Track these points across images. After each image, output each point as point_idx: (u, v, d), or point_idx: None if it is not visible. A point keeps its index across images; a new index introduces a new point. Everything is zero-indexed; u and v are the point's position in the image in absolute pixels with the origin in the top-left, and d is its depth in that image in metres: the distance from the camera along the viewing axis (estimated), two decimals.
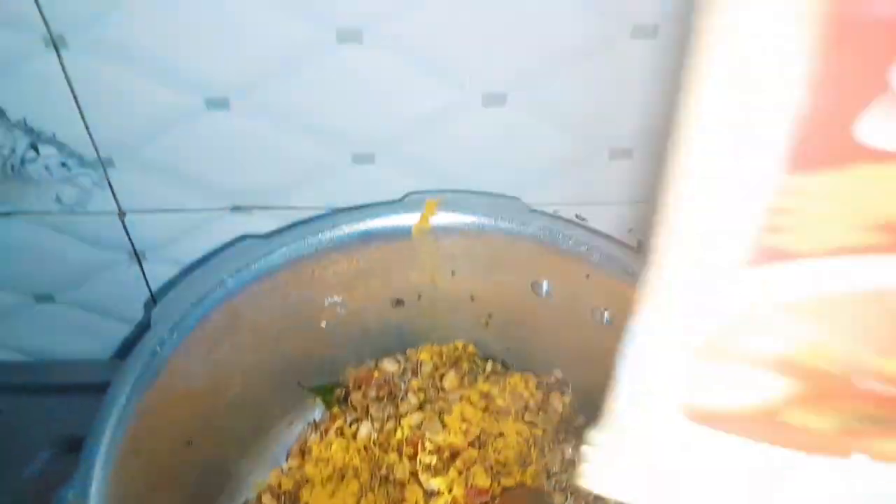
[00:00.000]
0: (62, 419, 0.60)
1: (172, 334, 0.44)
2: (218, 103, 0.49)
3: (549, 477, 0.52)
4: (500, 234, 0.50)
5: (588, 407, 0.56)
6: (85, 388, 0.62)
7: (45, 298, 0.64)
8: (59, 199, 0.56)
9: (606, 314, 0.50)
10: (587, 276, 0.49)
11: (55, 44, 0.46)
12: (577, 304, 0.51)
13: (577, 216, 0.58)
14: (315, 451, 0.54)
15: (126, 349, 0.66)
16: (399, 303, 0.56)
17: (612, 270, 0.48)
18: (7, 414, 0.63)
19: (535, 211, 0.51)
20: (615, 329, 0.51)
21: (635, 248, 0.56)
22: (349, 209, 0.52)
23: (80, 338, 0.66)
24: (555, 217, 0.51)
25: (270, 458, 0.56)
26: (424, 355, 0.58)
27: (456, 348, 0.59)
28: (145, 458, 0.42)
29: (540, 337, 0.56)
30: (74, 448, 0.58)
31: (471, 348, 0.59)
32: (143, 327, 0.44)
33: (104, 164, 0.54)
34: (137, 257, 0.60)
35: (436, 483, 0.52)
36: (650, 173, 0.54)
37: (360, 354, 0.58)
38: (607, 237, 0.50)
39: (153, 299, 0.63)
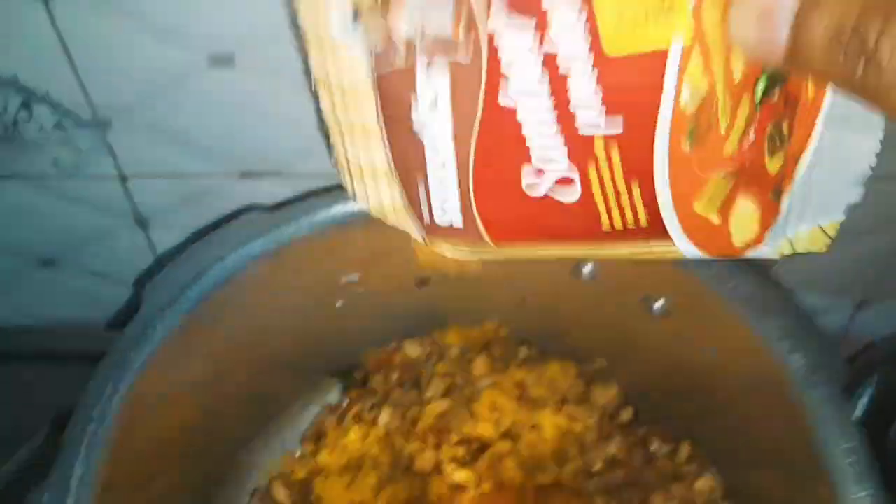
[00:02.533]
0: (56, 390, 0.57)
1: (166, 314, 0.39)
2: (223, 60, 0.44)
3: (590, 477, 0.47)
4: None
5: (635, 401, 0.51)
6: (83, 355, 0.59)
7: (48, 263, 0.60)
8: (56, 163, 0.52)
9: (659, 303, 0.44)
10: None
11: None
12: (624, 290, 0.45)
13: None
14: (331, 438, 0.50)
15: (119, 321, 0.63)
16: (424, 282, 0.50)
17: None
18: (6, 384, 0.60)
19: None
20: (670, 320, 0.45)
21: None
22: None
23: (84, 305, 0.63)
24: None
25: (281, 444, 0.52)
26: (451, 338, 0.53)
27: (486, 331, 0.53)
28: (136, 452, 0.38)
29: (581, 324, 0.50)
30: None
31: (503, 331, 0.53)
32: (133, 306, 0.40)
33: (102, 124, 0.49)
34: (141, 223, 0.56)
35: (462, 476, 0.47)
36: None
37: (381, 336, 0.52)
38: None
39: (155, 269, 0.58)
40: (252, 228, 0.42)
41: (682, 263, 0.41)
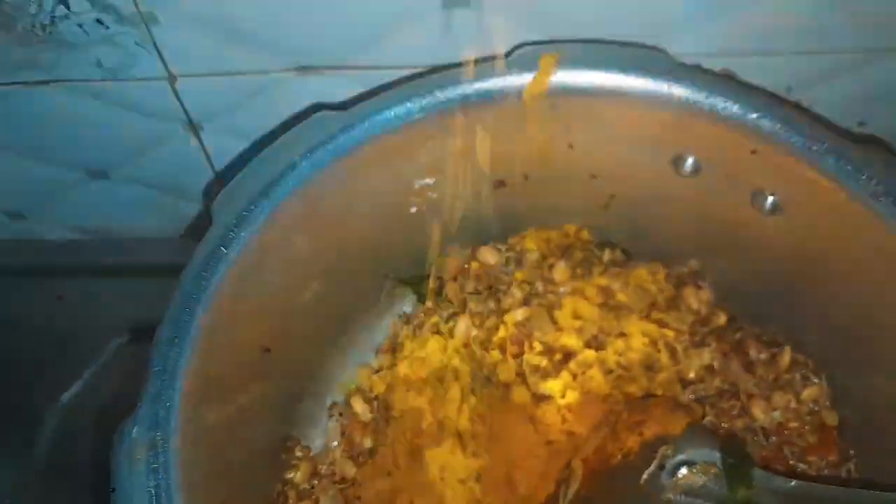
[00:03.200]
0: (132, 302, 0.56)
1: (239, 230, 0.36)
2: None
3: (684, 387, 0.45)
4: (637, 96, 0.39)
5: (732, 305, 0.47)
6: (152, 268, 0.58)
7: (100, 174, 0.58)
8: (99, 64, 0.48)
9: (773, 199, 0.40)
10: (753, 151, 0.38)
11: None
12: (733, 185, 0.41)
13: (722, 70, 0.46)
14: (408, 349, 0.48)
15: (192, 230, 0.60)
16: (501, 184, 0.46)
17: (790, 145, 0.37)
18: (71, 299, 0.59)
19: (685, 66, 0.39)
20: (782, 217, 0.41)
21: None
22: (443, 69, 0.41)
23: (142, 215, 0.61)
24: (713, 74, 0.39)
25: (358, 357, 0.50)
26: (529, 243, 0.49)
27: (567, 234, 0.50)
28: (218, 376, 0.36)
29: (675, 222, 0.46)
30: (146, 335, 0.55)
31: (585, 234, 0.50)
32: (206, 215, 0.37)
33: (146, 19, 0.45)
34: (194, 128, 0.52)
35: (546, 387, 0.45)
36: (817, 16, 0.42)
37: (456, 243, 0.49)
38: (783, 101, 0.38)
39: (216, 178, 0.55)
40: (322, 130, 0.39)
41: (807, 152, 0.37)
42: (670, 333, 0.46)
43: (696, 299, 0.47)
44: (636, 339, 0.45)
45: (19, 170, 0.57)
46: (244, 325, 0.38)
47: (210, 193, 0.56)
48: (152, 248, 0.62)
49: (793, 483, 0.34)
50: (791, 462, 0.42)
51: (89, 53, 0.47)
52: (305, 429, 0.47)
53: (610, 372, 0.45)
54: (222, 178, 0.55)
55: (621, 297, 0.47)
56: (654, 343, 0.45)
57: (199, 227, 0.39)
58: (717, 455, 0.37)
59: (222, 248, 0.35)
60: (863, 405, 0.42)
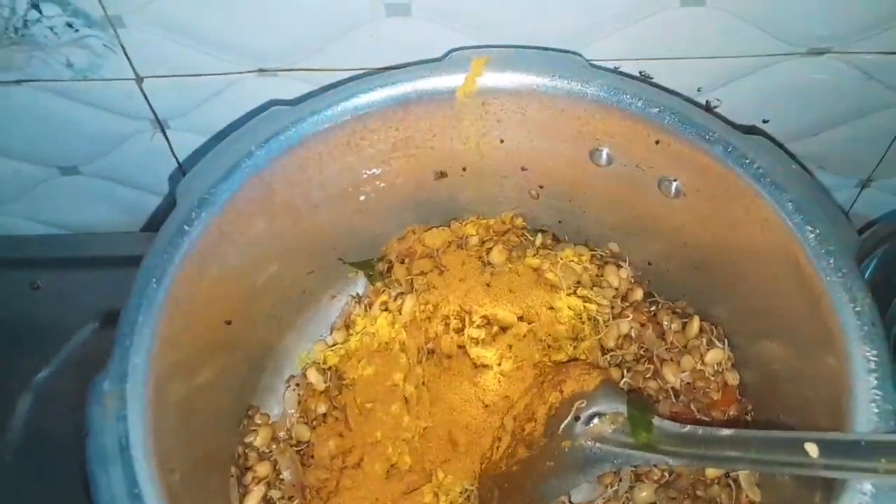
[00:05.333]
0: (102, 292, 0.59)
1: (201, 211, 0.40)
2: None
3: (604, 353, 0.50)
4: (556, 95, 0.45)
5: (649, 282, 0.53)
6: (122, 260, 0.61)
7: (70, 171, 0.61)
8: (69, 64, 0.52)
9: (676, 184, 0.45)
10: (657, 141, 0.44)
11: None
12: (641, 172, 0.46)
13: (640, 73, 0.51)
14: (360, 325, 0.53)
15: (155, 223, 0.64)
16: (442, 175, 0.51)
17: (686, 136, 0.42)
18: (47, 288, 0.62)
19: (597, 67, 0.45)
20: (685, 201, 0.46)
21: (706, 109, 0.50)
22: (385, 71, 0.46)
23: (112, 210, 0.64)
24: (620, 75, 0.44)
25: (314, 334, 0.54)
26: (470, 229, 0.54)
27: (503, 221, 0.55)
28: (183, 341, 0.40)
29: (596, 209, 0.51)
30: (116, 322, 0.58)
31: (519, 221, 0.55)
32: (170, 202, 0.41)
33: (113, 23, 0.49)
34: (161, 126, 0.56)
35: (484, 355, 0.50)
36: (723, 24, 0.48)
37: (403, 228, 0.54)
38: (681, 98, 0.44)
39: (181, 170, 0.59)
40: (276, 123, 0.43)
41: (700, 141, 0.42)
42: (593, 307, 0.51)
43: (617, 277, 0.52)
44: (563, 312, 0.51)
45: None
46: (207, 299, 0.42)
47: (175, 180, 0.59)
48: (121, 242, 0.65)
49: (686, 428, 0.40)
50: (698, 416, 0.47)
51: (60, 54, 0.51)
52: (265, 398, 0.51)
53: (540, 342, 0.50)
54: (185, 166, 0.59)
55: (550, 275, 0.52)
56: (578, 316, 0.51)
57: (161, 220, 0.43)
58: (623, 406, 0.42)
59: (185, 227, 0.40)
60: (760, 367, 0.47)
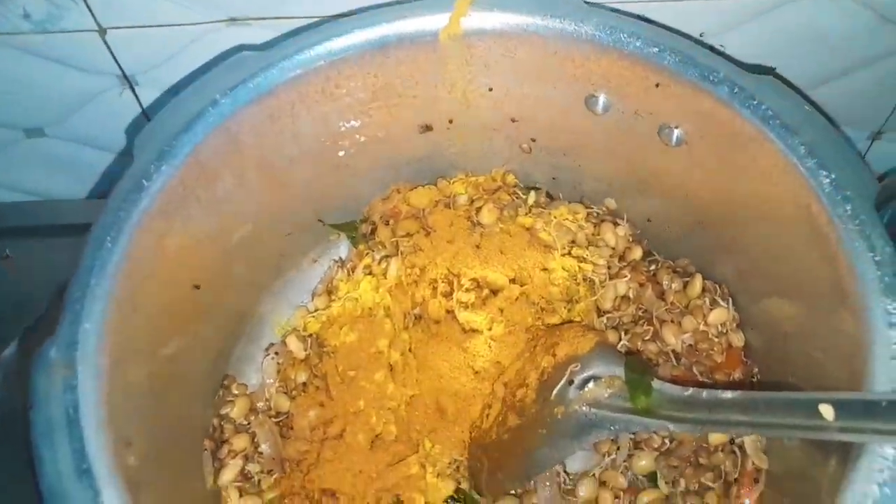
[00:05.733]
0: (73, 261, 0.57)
1: (160, 164, 0.37)
2: None
3: (600, 315, 0.47)
4: (548, 35, 0.41)
5: (648, 240, 0.50)
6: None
7: (36, 132, 0.58)
8: (26, 15, 0.49)
9: (678, 132, 0.42)
10: (657, 84, 0.40)
11: None
12: (640, 120, 0.43)
13: (640, 17, 0.48)
14: (342, 290, 0.50)
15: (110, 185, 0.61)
16: (427, 128, 0.48)
17: (688, 77, 0.39)
18: (17, 258, 0.59)
19: (592, 5, 0.41)
20: (689, 149, 0.43)
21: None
22: (361, 11, 0.43)
23: (80, 175, 0.61)
24: (617, 14, 0.41)
25: (293, 299, 0.51)
26: (458, 187, 0.51)
27: (494, 179, 0.52)
28: (144, 306, 0.37)
29: (592, 163, 0.48)
30: None
31: (510, 178, 0.52)
32: (127, 157, 0.38)
33: None
34: (129, 82, 0.53)
35: (474, 319, 0.47)
36: None
37: (386, 187, 0.51)
38: (683, 36, 0.40)
39: (138, 125, 0.56)
40: (243, 69, 0.40)
41: (704, 82, 0.39)
42: (589, 267, 0.48)
43: (614, 235, 0.49)
44: (557, 273, 0.48)
45: None
46: (171, 261, 0.39)
47: (131, 133, 0.56)
48: (94, 209, 0.62)
49: (688, 391, 0.37)
50: (700, 380, 0.44)
51: (15, 4, 0.47)
52: (242, 368, 0.48)
53: (533, 305, 0.47)
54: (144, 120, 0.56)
55: (544, 235, 0.49)
56: (573, 277, 0.48)
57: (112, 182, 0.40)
58: (620, 369, 0.39)
59: (143, 182, 0.36)
60: (767, 327, 0.44)
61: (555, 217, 0.49)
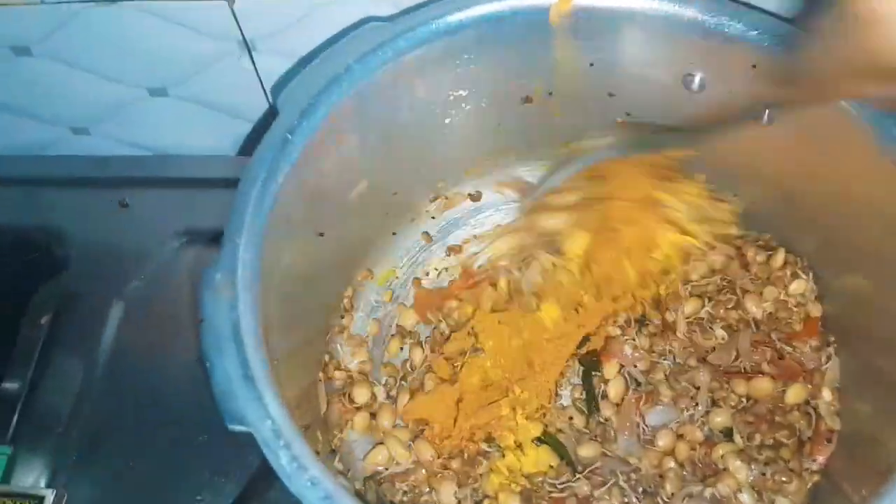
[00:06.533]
0: (187, 212, 0.62)
1: (302, 121, 0.41)
2: None
3: (685, 283, 0.50)
4: (653, 16, 0.44)
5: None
6: (207, 182, 0.63)
7: (159, 92, 0.63)
8: None
9: (769, 111, 0.44)
10: (753, 65, 0.43)
11: None
12: (733, 98, 0.45)
13: None
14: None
15: (250, 146, 0.65)
16: (528, 100, 0.51)
17: (785, 60, 0.41)
18: (134, 207, 0.64)
19: None
20: (778, 127, 0.45)
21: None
22: None
23: (197, 133, 0.66)
24: None
25: (393, 255, 0.55)
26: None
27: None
28: (281, 246, 0.41)
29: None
30: (202, 239, 0.60)
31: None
32: (271, 113, 0.42)
33: None
34: (248, 48, 0.57)
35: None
36: None
37: (484, 153, 0.54)
38: (783, 20, 0.43)
39: (266, 95, 0.60)
40: (372, 39, 0.44)
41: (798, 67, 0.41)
42: (696, 242, 0.49)
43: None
44: (665, 248, 0.49)
45: (84, 86, 0.62)
46: (304, 208, 0.43)
47: (275, 92, 0.60)
48: (206, 164, 0.66)
49: None
50: (778, 346, 0.47)
51: None
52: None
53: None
54: (277, 87, 0.60)
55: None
56: (679, 250, 0.49)
57: (252, 146, 0.43)
58: None
59: (288, 136, 0.41)
60: (846, 299, 0.47)
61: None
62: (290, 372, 0.41)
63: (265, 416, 0.34)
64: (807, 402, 0.45)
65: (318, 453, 0.35)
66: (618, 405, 0.48)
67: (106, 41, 0.58)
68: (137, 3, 0.55)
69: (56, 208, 0.64)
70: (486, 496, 0.45)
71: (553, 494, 0.45)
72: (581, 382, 0.49)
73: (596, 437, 0.47)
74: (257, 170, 0.40)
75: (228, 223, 0.38)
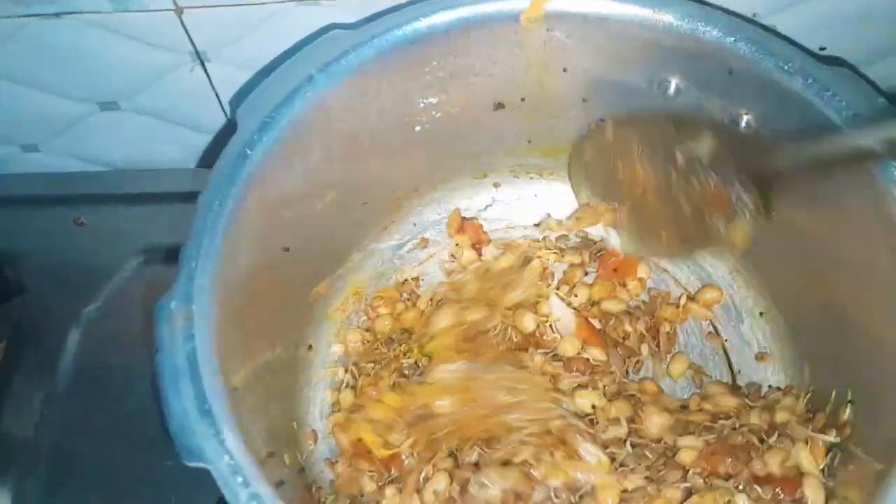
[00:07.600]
0: (146, 228, 0.59)
1: (262, 135, 0.39)
2: None
3: None
4: (627, 21, 0.43)
5: None
6: (167, 196, 0.60)
7: (110, 106, 0.60)
8: None
9: (747, 118, 0.43)
10: (730, 71, 0.42)
11: None
12: (709, 105, 0.44)
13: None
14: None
15: (209, 157, 0.63)
16: (500, 106, 0.50)
17: (762, 66, 0.40)
18: (91, 225, 0.61)
19: None
20: (755, 135, 0.45)
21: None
22: None
23: (152, 146, 0.63)
24: (696, 1, 0.42)
25: (366, 265, 0.54)
26: None
27: None
28: (244, 265, 0.39)
29: None
30: (161, 256, 0.58)
31: None
32: (229, 126, 0.40)
33: None
34: (200, 59, 0.55)
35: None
36: None
37: (455, 159, 0.53)
38: (760, 26, 0.42)
39: (221, 105, 0.58)
40: (336, 47, 0.42)
41: (778, 72, 0.40)
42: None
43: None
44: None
45: (32, 103, 0.59)
46: (266, 224, 0.41)
47: (233, 105, 0.58)
48: (162, 178, 0.64)
49: None
50: None
51: None
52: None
53: None
54: (237, 98, 0.57)
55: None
56: None
57: (212, 157, 0.42)
58: None
59: (247, 150, 0.38)
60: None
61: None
62: (254, 400, 0.38)
63: (222, 452, 0.32)
64: None
65: (282, 482, 0.33)
66: None
67: (52, 55, 0.55)
68: (83, 15, 0.52)
69: (8, 229, 0.61)
70: None
71: None
72: None
73: None
74: (214, 190, 0.37)
75: (184, 248, 0.36)
